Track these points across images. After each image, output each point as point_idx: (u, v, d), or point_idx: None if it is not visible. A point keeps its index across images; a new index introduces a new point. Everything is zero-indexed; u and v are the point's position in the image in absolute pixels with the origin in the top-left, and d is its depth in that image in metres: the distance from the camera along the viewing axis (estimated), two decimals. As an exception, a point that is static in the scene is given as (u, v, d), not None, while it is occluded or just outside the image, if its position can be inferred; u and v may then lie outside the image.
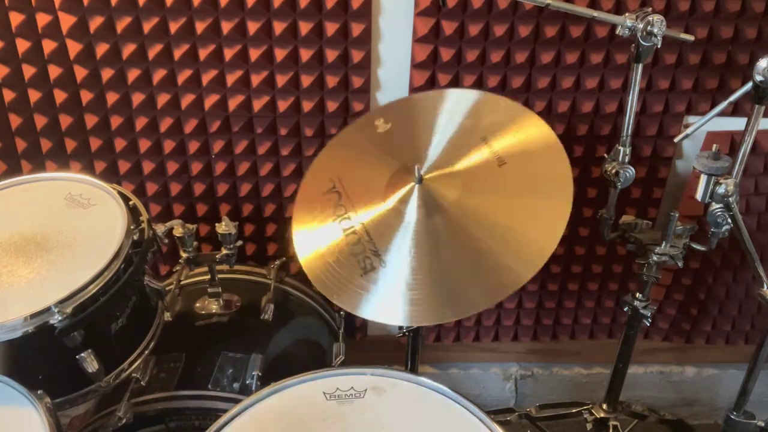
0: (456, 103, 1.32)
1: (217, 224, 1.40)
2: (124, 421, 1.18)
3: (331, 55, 1.43)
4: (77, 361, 1.09)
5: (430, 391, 1.05)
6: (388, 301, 1.11)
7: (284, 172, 1.58)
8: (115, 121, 1.50)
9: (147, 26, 1.38)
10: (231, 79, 1.45)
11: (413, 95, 1.46)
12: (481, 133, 1.25)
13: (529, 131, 1.23)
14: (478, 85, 1.47)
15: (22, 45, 1.40)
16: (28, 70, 1.43)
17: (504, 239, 1.13)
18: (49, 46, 1.40)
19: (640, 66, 1.20)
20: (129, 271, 1.13)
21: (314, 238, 1.21)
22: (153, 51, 1.41)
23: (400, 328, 1.33)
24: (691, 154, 1.61)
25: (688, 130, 1.14)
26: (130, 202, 1.22)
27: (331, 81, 1.46)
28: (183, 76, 1.45)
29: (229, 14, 1.38)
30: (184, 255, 1.40)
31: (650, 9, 1.15)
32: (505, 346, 1.93)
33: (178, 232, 1.35)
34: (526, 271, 1.08)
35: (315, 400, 1.03)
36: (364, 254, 1.14)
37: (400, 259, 1.13)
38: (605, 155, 1.32)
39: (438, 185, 1.21)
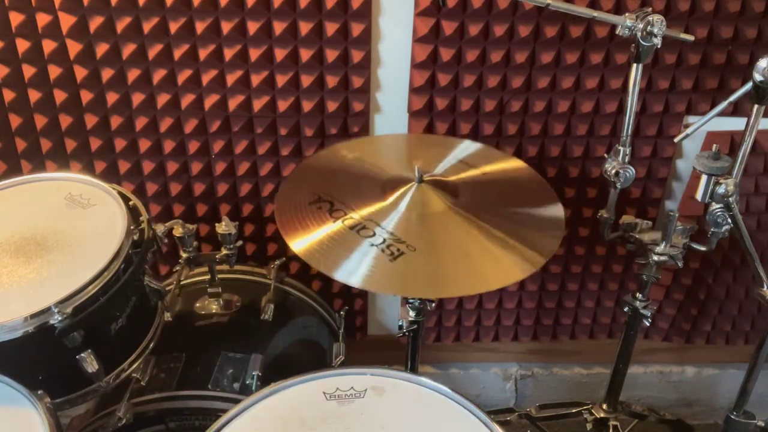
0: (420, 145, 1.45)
1: (217, 224, 1.40)
2: (124, 421, 1.18)
3: (331, 55, 1.43)
4: (77, 361, 1.09)
5: (430, 391, 1.05)
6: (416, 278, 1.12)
7: (284, 172, 1.58)
8: (115, 121, 1.50)
9: (147, 26, 1.38)
10: (231, 79, 1.45)
11: (376, 136, 1.54)
12: (458, 158, 1.37)
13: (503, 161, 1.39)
14: (478, 85, 1.47)
15: (22, 45, 1.39)
16: (28, 70, 1.43)
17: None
18: (49, 46, 1.40)
19: (640, 66, 1.20)
20: (129, 271, 1.13)
21: (318, 241, 1.19)
22: (153, 51, 1.41)
23: (400, 327, 1.33)
24: (691, 154, 1.61)
25: (688, 130, 1.14)
26: (130, 202, 1.22)
27: (331, 81, 1.46)
28: (183, 76, 1.45)
29: (229, 14, 1.38)
30: (184, 255, 1.40)
31: (650, 9, 1.15)
32: (505, 346, 1.93)
33: (178, 232, 1.35)
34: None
35: (315, 400, 1.03)
36: (386, 243, 1.15)
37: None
38: (605, 155, 1.32)
39: (438, 184, 1.26)
